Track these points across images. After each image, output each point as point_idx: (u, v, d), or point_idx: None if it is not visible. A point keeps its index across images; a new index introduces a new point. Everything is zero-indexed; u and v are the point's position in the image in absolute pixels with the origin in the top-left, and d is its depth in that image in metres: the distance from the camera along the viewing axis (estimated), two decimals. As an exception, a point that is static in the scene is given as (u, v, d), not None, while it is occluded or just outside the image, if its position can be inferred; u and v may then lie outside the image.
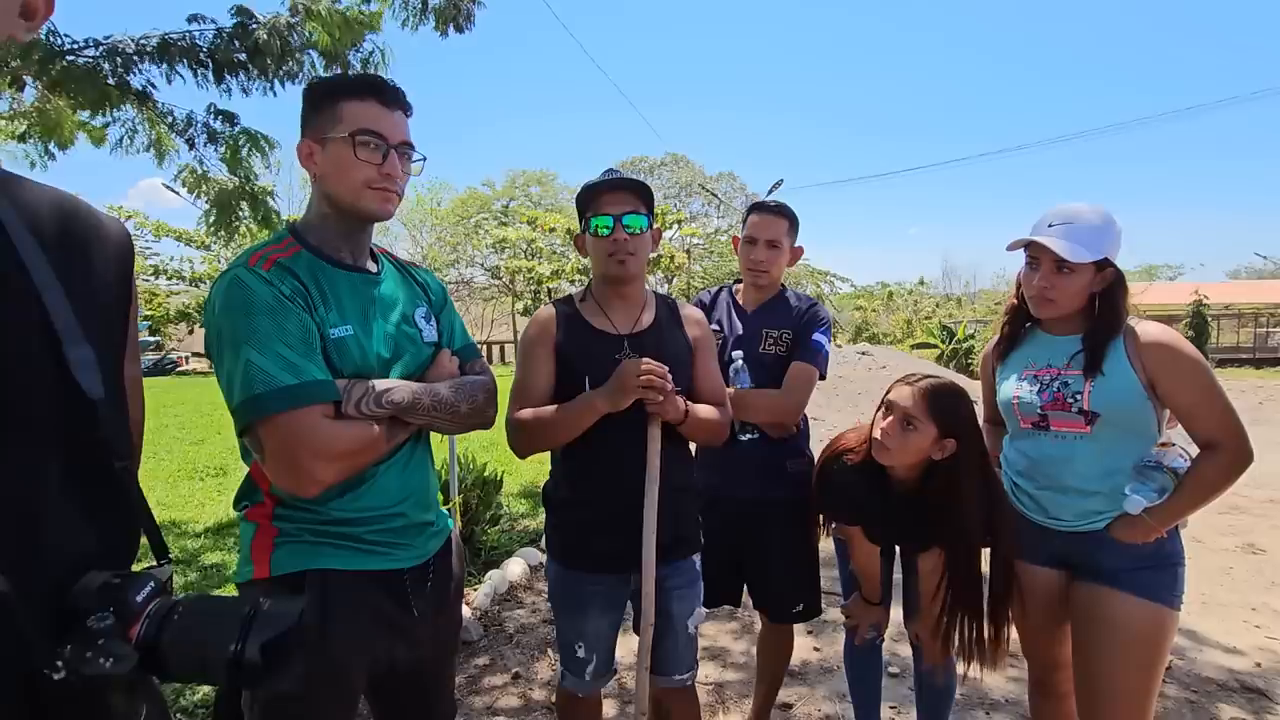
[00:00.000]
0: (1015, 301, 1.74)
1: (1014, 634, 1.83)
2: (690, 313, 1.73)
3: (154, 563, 0.81)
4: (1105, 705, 1.58)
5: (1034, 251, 1.60)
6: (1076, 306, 1.60)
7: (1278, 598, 3.53)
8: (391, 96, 1.22)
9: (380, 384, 1.18)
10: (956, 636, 1.74)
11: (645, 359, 1.49)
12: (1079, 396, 1.57)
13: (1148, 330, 1.56)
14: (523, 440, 1.57)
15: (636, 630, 1.69)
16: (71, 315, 0.72)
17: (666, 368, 1.50)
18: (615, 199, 1.58)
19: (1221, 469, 1.49)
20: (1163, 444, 1.57)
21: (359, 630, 1.20)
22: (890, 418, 1.68)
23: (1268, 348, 23.73)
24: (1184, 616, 3.19)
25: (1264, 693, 2.63)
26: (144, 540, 0.84)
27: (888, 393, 1.75)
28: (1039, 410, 1.63)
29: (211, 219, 4.62)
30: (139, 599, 0.70)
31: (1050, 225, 1.57)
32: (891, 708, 2.48)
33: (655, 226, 1.66)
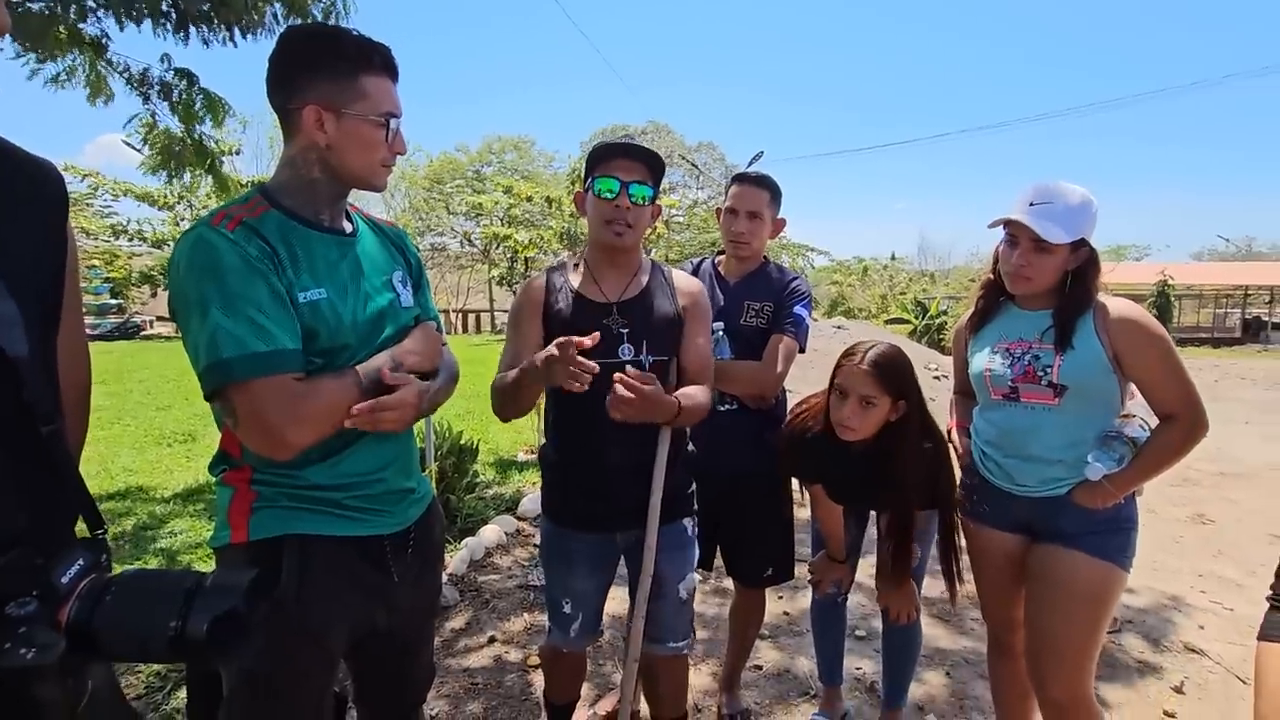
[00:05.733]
0: (991, 277, 1.77)
1: (974, 597, 1.92)
2: (684, 283, 1.69)
3: (88, 536, 0.76)
4: (1051, 657, 1.66)
5: (1013, 230, 1.62)
6: (1050, 284, 1.63)
7: (1224, 565, 3.71)
8: (397, 72, 1.22)
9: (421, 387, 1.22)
10: (902, 589, 1.89)
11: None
12: (1049, 370, 1.61)
13: (1116, 306, 1.61)
14: (494, 402, 1.59)
15: (631, 592, 1.73)
16: None
17: (650, 379, 1.42)
18: (626, 165, 1.56)
19: (1179, 438, 1.56)
20: (1124, 415, 1.63)
21: (338, 595, 1.20)
22: (848, 402, 1.75)
23: (1225, 328, 24.52)
24: (1135, 582, 3.35)
25: (1205, 653, 2.78)
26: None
27: (835, 374, 1.81)
28: (1010, 382, 1.67)
29: (155, 163, 4.52)
30: (66, 580, 0.65)
31: (1031, 204, 1.59)
32: (857, 668, 2.58)
33: (656, 203, 1.64)
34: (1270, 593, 1.30)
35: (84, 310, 0.90)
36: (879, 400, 1.74)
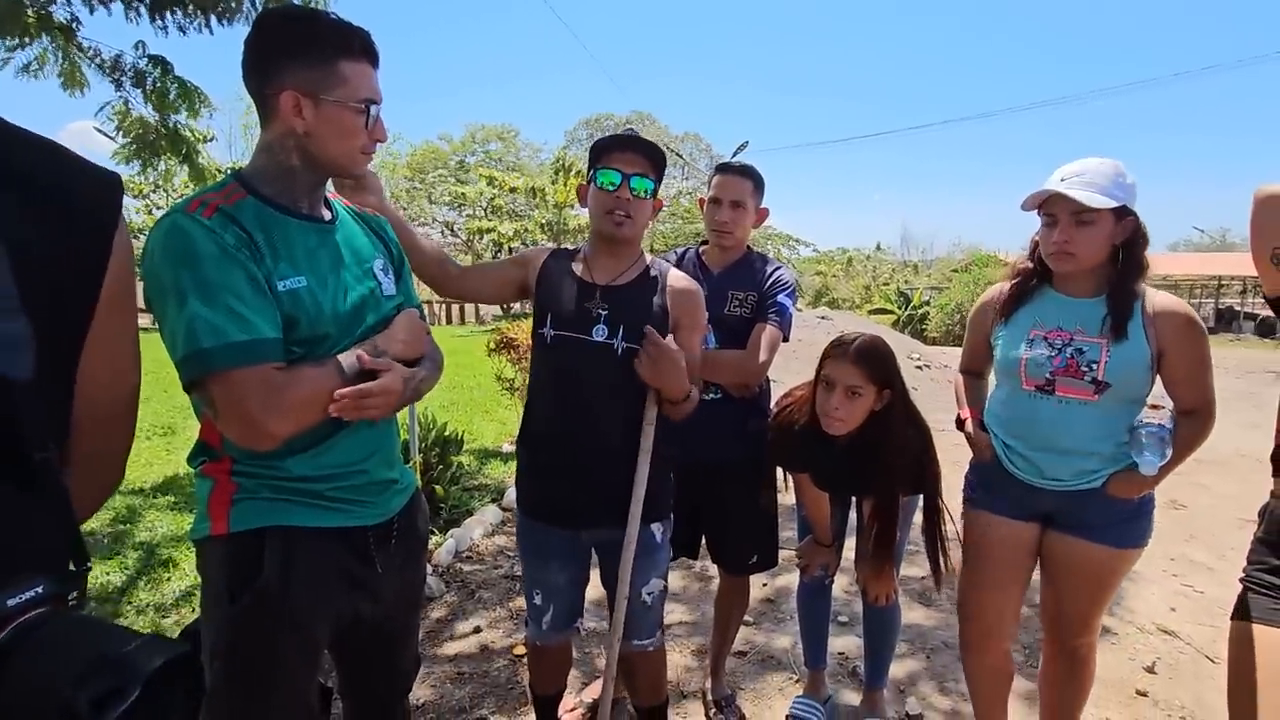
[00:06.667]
0: (1030, 264, 1.70)
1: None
2: (678, 284, 1.68)
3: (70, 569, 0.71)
4: (1074, 622, 1.76)
5: (1050, 207, 1.57)
6: (1097, 260, 1.57)
7: (1195, 549, 3.81)
8: (377, 57, 1.20)
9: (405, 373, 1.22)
10: (882, 571, 1.93)
11: None
12: (1094, 366, 1.57)
13: (1163, 300, 1.58)
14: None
15: (603, 584, 1.75)
16: (10, 281, 0.63)
17: (678, 351, 1.53)
18: (628, 158, 1.58)
19: (1197, 434, 1.59)
20: (1154, 405, 1.61)
21: (321, 586, 1.20)
22: (835, 393, 1.77)
23: (1200, 317, 25.01)
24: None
25: (1177, 634, 2.86)
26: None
27: (821, 366, 1.83)
28: (1048, 374, 1.62)
29: (128, 152, 4.40)
30: (12, 602, 0.60)
31: (1063, 179, 1.54)
32: (840, 652, 2.62)
33: (659, 198, 1.67)
34: (1243, 575, 1.34)
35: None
36: (865, 390, 1.76)
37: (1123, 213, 1.54)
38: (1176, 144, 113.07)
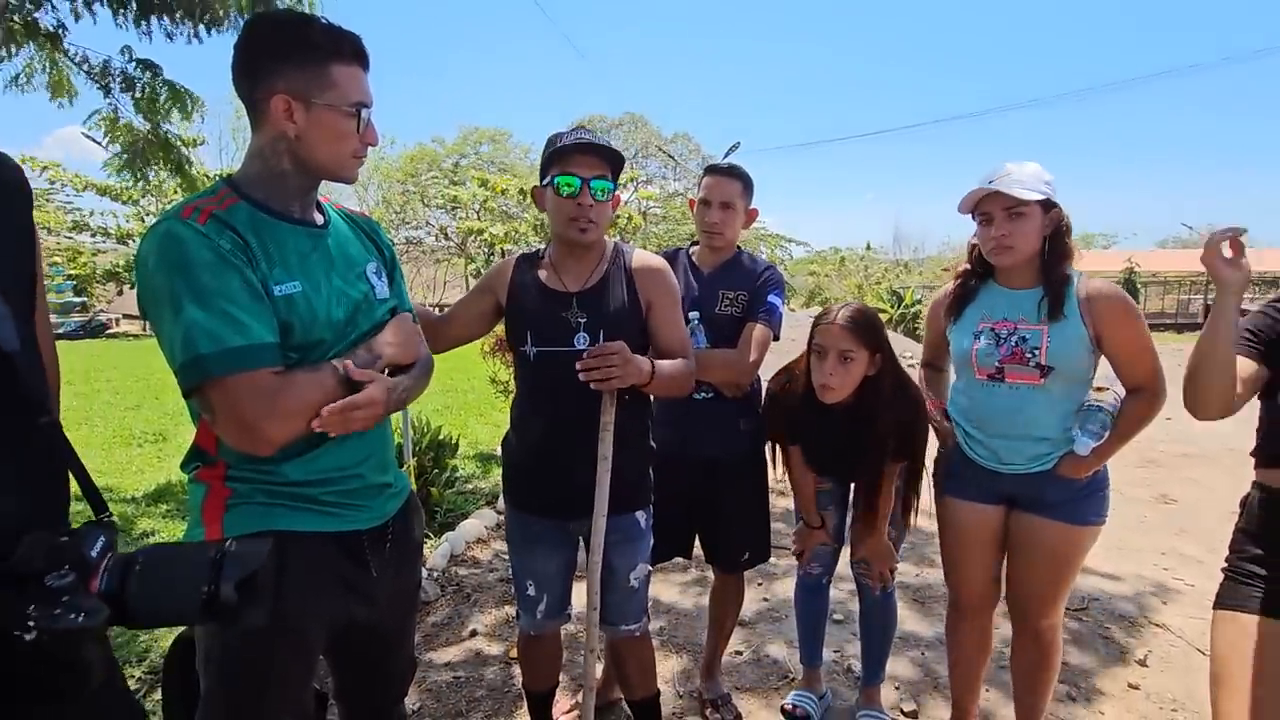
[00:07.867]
0: (969, 266, 1.84)
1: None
2: (643, 265, 1.67)
3: (92, 519, 0.79)
4: (1036, 600, 1.83)
5: (985, 207, 1.70)
6: (1032, 250, 1.70)
7: (1185, 543, 3.84)
8: (368, 61, 1.20)
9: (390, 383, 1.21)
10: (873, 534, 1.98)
11: (595, 348, 1.51)
12: (1036, 351, 1.69)
13: (1094, 286, 1.69)
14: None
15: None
16: None
17: (619, 344, 1.50)
18: (586, 161, 1.56)
19: (1147, 409, 1.68)
20: (1098, 388, 1.73)
21: (316, 590, 1.20)
22: (827, 360, 1.81)
23: (1188, 314, 25.19)
24: (1102, 560, 3.45)
25: (1168, 627, 2.88)
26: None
27: (812, 336, 1.88)
28: (997, 363, 1.74)
29: (120, 163, 4.38)
30: (94, 553, 0.70)
31: (992, 181, 1.68)
32: (835, 651, 2.63)
33: (616, 194, 1.67)
34: (1225, 564, 1.37)
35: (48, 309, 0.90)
36: (857, 354, 1.80)
37: (1048, 206, 1.67)
38: (1170, 139, 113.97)
